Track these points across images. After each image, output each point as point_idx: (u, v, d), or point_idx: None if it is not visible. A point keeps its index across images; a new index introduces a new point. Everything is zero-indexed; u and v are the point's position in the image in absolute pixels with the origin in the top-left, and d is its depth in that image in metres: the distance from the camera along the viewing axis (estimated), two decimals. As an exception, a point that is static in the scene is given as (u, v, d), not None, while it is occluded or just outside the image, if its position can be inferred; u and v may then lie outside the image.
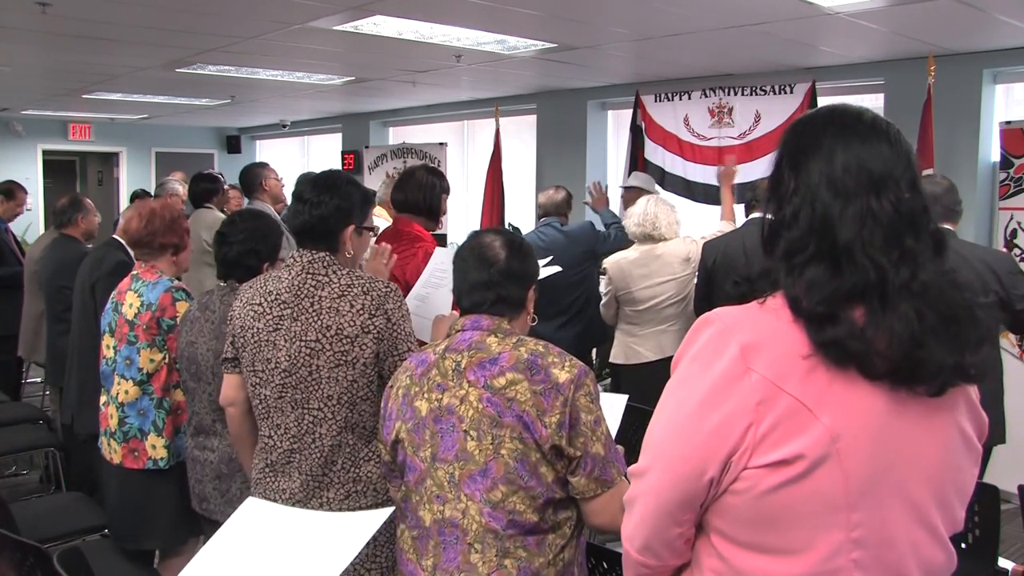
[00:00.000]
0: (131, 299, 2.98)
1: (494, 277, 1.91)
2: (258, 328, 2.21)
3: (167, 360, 2.96)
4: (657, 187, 5.92)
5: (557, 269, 3.49)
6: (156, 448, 2.95)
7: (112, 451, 3.00)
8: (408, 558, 1.84)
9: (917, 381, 1.12)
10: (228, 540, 1.06)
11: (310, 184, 2.29)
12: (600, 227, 4.79)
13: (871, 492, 1.13)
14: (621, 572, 2.15)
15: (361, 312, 2.15)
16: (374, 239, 2.83)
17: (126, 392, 2.97)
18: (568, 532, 1.80)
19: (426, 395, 1.84)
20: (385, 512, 1.03)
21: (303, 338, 2.15)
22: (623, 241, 4.61)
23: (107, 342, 3.06)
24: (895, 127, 1.23)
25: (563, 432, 1.73)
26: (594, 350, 5.83)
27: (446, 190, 3.41)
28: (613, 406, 2.62)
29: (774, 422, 1.11)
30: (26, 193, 6.24)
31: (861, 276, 1.12)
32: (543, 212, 4.74)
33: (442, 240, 7.04)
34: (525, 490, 1.73)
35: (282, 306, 2.19)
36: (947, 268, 1.17)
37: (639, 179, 5.81)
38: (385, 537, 2.12)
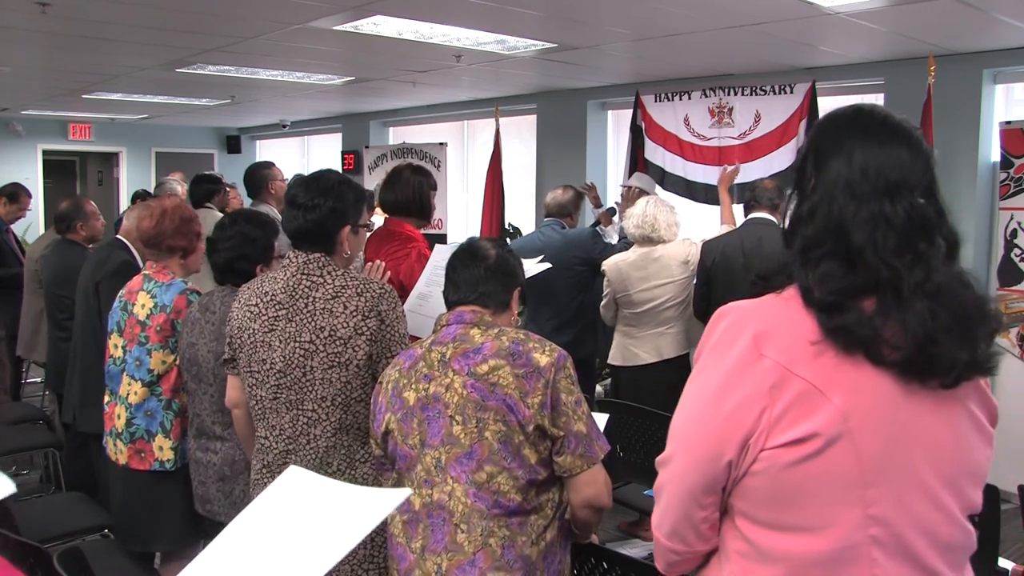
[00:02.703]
0: (143, 299, 2.96)
1: (481, 273, 2.02)
2: (254, 329, 2.21)
3: (179, 362, 2.93)
4: (657, 188, 5.91)
5: (547, 266, 3.51)
6: (163, 450, 2.93)
7: (118, 452, 2.98)
8: (398, 542, 1.91)
9: (930, 375, 1.17)
10: (263, 507, 1.10)
11: (303, 187, 2.27)
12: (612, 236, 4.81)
13: (885, 470, 1.17)
14: (621, 572, 2.16)
15: (355, 314, 2.15)
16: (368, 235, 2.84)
17: (135, 393, 2.94)
18: (550, 513, 1.88)
19: (414, 386, 1.91)
20: (404, 492, 1.06)
21: (297, 339, 2.15)
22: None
23: (115, 341, 3.04)
24: (917, 131, 1.27)
25: (545, 412, 1.81)
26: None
27: (433, 186, 3.42)
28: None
29: (787, 404, 1.16)
30: (30, 197, 6.22)
31: (874, 274, 1.17)
32: (547, 212, 4.74)
33: (442, 240, 7.03)
34: (508, 471, 1.81)
35: (277, 307, 2.19)
36: (959, 269, 1.22)
37: (640, 180, 5.80)
38: (382, 538, 2.12)
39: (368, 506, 1.05)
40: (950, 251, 1.22)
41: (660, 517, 1.31)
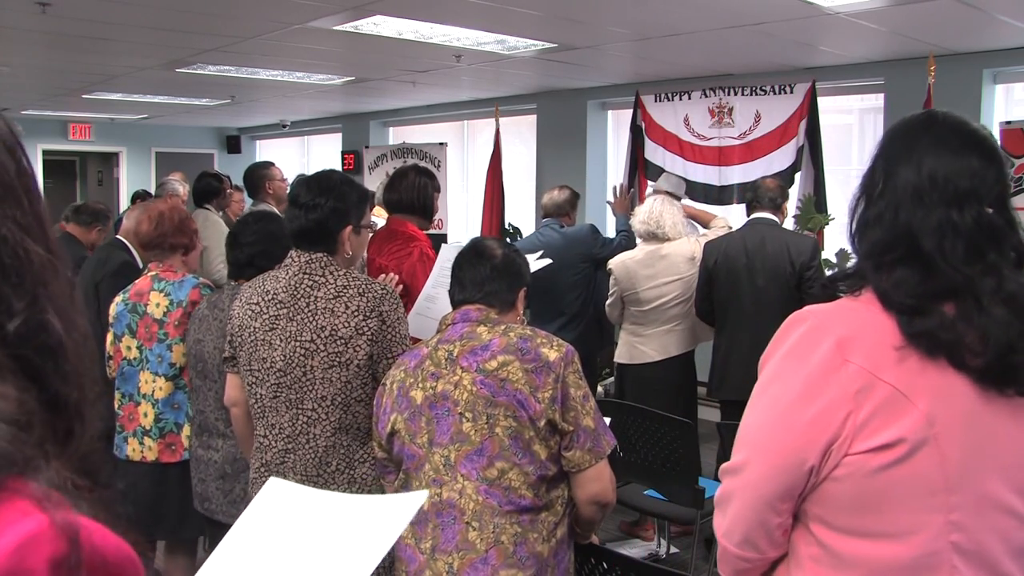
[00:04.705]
0: (156, 299, 3.02)
1: (487, 272, 2.02)
2: (255, 327, 2.21)
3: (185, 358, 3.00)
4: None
5: (548, 262, 3.51)
6: (191, 439, 2.97)
7: (146, 449, 3.02)
8: (406, 543, 1.89)
9: (1009, 383, 1.17)
10: (255, 523, 0.98)
11: (305, 187, 2.28)
12: (609, 230, 4.80)
13: (967, 475, 1.17)
14: (621, 572, 2.16)
15: (356, 314, 2.15)
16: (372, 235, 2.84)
17: (160, 388, 3.01)
18: (560, 510, 1.89)
19: (421, 385, 1.91)
20: (422, 495, 1.00)
21: (298, 338, 2.15)
22: (628, 248, 4.62)
23: (126, 343, 3.08)
24: (991, 140, 1.26)
25: (556, 406, 1.82)
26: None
27: (437, 188, 3.46)
28: None
29: (873, 409, 1.16)
30: None
31: (949, 280, 1.17)
32: (544, 213, 4.75)
33: (442, 240, 7.03)
34: (519, 467, 1.81)
35: (279, 306, 2.19)
36: None
37: (669, 183, 5.73)
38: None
39: (382, 515, 0.96)
40: (1019, 261, 1.22)
41: (730, 525, 1.28)
